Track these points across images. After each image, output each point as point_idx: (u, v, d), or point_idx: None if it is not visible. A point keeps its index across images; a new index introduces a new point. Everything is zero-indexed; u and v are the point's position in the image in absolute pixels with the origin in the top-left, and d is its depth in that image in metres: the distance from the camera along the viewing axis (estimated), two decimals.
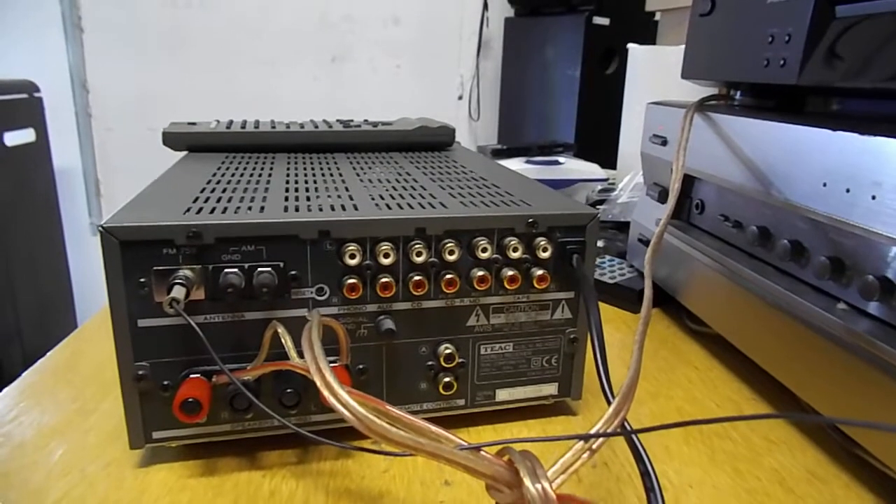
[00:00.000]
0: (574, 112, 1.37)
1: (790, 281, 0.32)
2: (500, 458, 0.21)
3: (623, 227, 0.63)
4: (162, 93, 1.69)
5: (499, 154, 0.72)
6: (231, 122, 0.47)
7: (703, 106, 0.41)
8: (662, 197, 0.47)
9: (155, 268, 0.25)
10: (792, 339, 0.31)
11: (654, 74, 0.72)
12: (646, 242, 0.49)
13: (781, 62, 0.35)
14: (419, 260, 0.27)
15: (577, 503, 0.19)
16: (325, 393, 0.21)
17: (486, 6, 1.69)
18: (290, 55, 1.73)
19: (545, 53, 1.44)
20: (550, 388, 0.31)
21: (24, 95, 1.45)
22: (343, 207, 0.28)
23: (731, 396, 0.34)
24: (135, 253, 0.24)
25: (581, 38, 1.31)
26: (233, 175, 0.35)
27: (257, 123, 0.47)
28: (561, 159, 0.73)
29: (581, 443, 0.20)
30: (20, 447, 0.29)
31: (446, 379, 0.29)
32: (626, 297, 0.47)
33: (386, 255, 0.26)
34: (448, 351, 0.28)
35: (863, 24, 0.30)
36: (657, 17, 1.41)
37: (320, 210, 0.27)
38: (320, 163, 0.40)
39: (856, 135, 0.27)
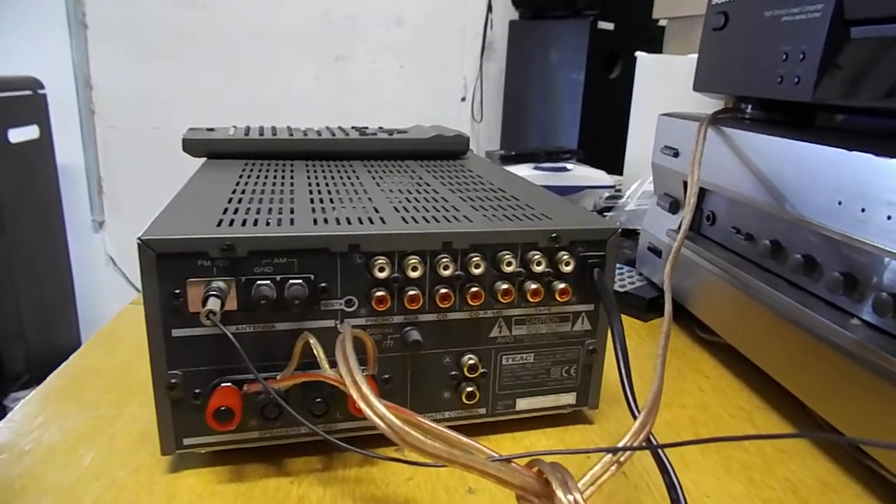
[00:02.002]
0: (578, 116, 1.38)
1: (802, 294, 0.33)
2: (529, 469, 0.22)
3: (631, 234, 0.64)
4: (165, 91, 1.70)
5: (507, 160, 0.73)
6: (248, 128, 0.48)
7: (715, 120, 0.41)
8: (673, 207, 0.47)
9: (189, 279, 0.25)
10: (803, 351, 0.32)
11: (662, 83, 0.73)
12: (655, 251, 0.50)
13: (796, 79, 0.36)
14: (446, 273, 0.27)
15: None
16: (362, 405, 0.21)
17: (490, 8, 1.70)
18: (293, 55, 1.73)
19: (549, 57, 1.45)
20: (569, 398, 0.32)
21: (28, 92, 1.45)
22: (371, 220, 0.28)
23: (742, 406, 0.35)
24: (170, 264, 0.25)
25: (585, 42, 1.32)
26: (255, 184, 0.36)
27: (274, 130, 0.47)
28: (569, 166, 0.74)
29: (609, 455, 0.21)
30: (51, 452, 0.29)
31: (469, 388, 0.30)
32: (636, 305, 0.48)
33: (414, 269, 0.27)
34: (471, 361, 0.29)
35: (878, 45, 0.31)
36: (662, 22, 1.41)
37: (349, 223, 0.28)
38: (339, 171, 0.41)
39: (871, 156, 0.28)
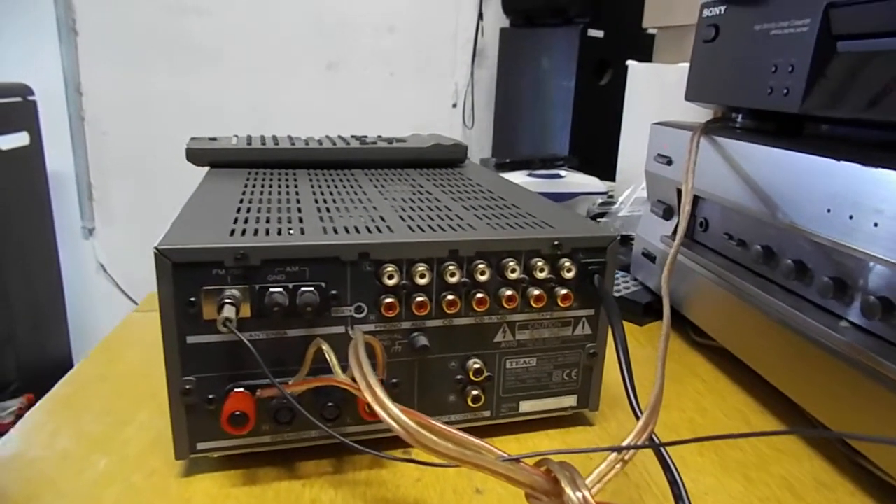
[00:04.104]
0: (569, 122, 1.39)
1: (793, 298, 0.34)
2: (538, 468, 0.23)
3: (624, 239, 0.65)
4: (157, 97, 1.69)
5: (502, 167, 0.74)
6: (250, 137, 0.49)
7: (707, 129, 0.43)
8: (667, 214, 0.49)
9: (204, 287, 0.26)
10: (796, 354, 0.33)
11: (653, 91, 0.74)
12: (650, 257, 0.51)
13: (785, 91, 0.37)
14: (452, 280, 0.28)
15: None
16: (378, 409, 0.22)
17: (480, 16, 1.71)
18: (286, 62, 1.73)
19: (540, 64, 1.46)
20: (570, 400, 0.33)
21: (18, 99, 1.45)
22: (378, 229, 0.29)
23: (738, 407, 0.36)
24: (186, 273, 0.26)
25: (576, 49, 1.33)
26: (262, 193, 0.36)
27: (276, 139, 0.48)
28: (562, 172, 0.75)
29: (614, 454, 0.22)
30: (64, 458, 0.30)
31: (474, 392, 0.30)
32: (632, 309, 0.49)
33: (422, 276, 0.28)
34: (477, 365, 0.30)
35: (862, 60, 0.32)
36: (652, 30, 1.43)
37: (358, 232, 0.29)
38: (341, 179, 0.42)
39: (859, 165, 0.29)
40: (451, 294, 0.29)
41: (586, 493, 0.21)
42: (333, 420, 0.28)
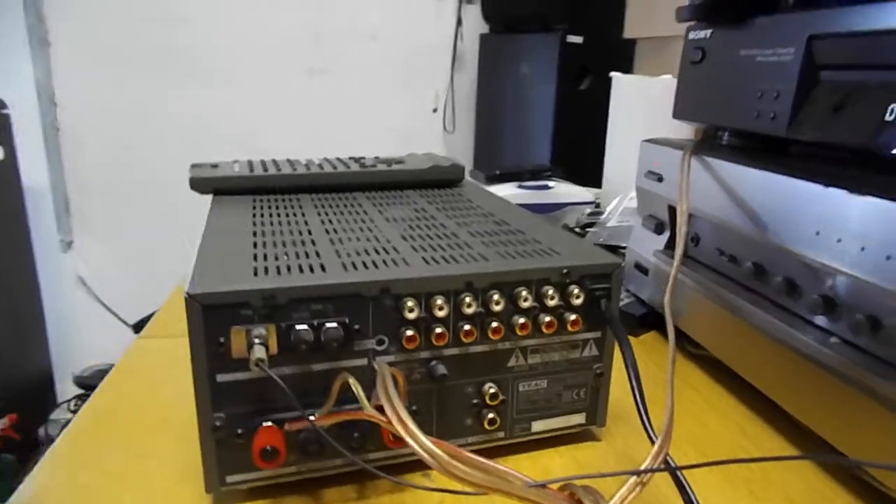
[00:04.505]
0: (550, 127, 1.41)
1: (785, 313, 0.36)
2: (563, 492, 0.24)
3: (613, 250, 0.67)
4: (135, 108, 1.67)
5: (492, 180, 0.75)
6: (251, 163, 0.49)
7: (697, 149, 0.44)
8: (659, 229, 0.50)
9: (233, 327, 0.27)
10: (788, 367, 0.35)
11: (637, 102, 0.76)
12: (642, 269, 0.53)
13: (772, 115, 0.39)
14: (469, 311, 0.29)
15: None
16: (411, 441, 0.23)
17: (459, 21, 1.73)
18: (266, 70, 1.73)
19: (520, 70, 1.48)
20: (579, 418, 0.34)
21: None
22: (395, 262, 0.30)
23: (735, 419, 0.38)
24: (215, 315, 0.26)
25: (556, 55, 1.36)
26: (272, 224, 0.37)
27: (276, 164, 0.49)
28: (550, 183, 0.77)
29: (634, 477, 0.24)
30: (94, 491, 0.30)
31: (490, 415, 0.32)
32: (626, 321, 0.51)
33: (440, 309, 0.29)
34: (492, 390, 0.31)
35: (843, 90, 0.35)
36: (626, 30, 1.46)
37: (376, 267, 0.30)
38: (344, 204, 0.43)
39: (846, 192, 0.31)
40: (468, 324, 0.30)
41: None
42: (358, 449, 0.29)
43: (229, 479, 0.29)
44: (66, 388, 1.75)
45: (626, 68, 1.40)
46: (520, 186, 0.75)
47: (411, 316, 0.29)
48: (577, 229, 0.74)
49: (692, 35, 0.48)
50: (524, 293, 0.30)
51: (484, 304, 0.30)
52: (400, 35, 1.77)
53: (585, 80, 1.43)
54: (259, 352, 0.26)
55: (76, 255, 1.80)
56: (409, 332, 0.29)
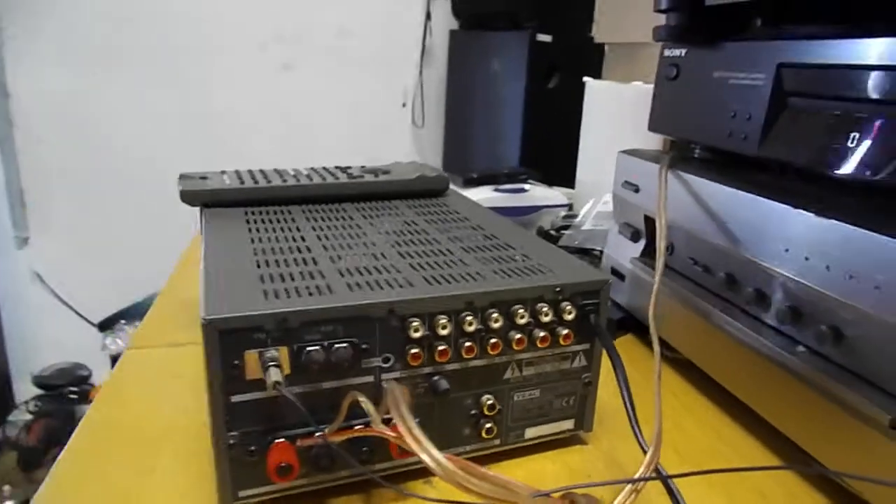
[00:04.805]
0: (519, 124, 1.44)
1: (754, 321, 0.39)
2: (564, 500, 0.26)
3: (587, 252, 0.70)
4: (95, 102, 1.63)
5: (469, 183, 0.77)
6: (239, 174, 0.50)
7: (673, 163, 0.47)
8: (635, 236, 0.53)
9: (247, 350, 0.28)
10: (759, 372, 0.38)
11: (611, 107, 0.79)
12: (618, 274, 0.55)
13: (743, 136, 0.42)
14: (470, 329, 0.31)
15: None
16: (425, 458, 0.25)
17: (428, 16, 1.73)
18: (234, 65, 1.70)
19: (490, 66, 1.50)
20: (568, 424, 0.37)
21: None
22: (399, 283, 0.32)
23: (710, 423, 0.41)
24: (230, 339, 0.27)
25: (525, 54, 1.38)
26: (269, 241, 0.38)
27: (266, 176, 0.49)
28: (526, 186, 0.79)
29: (629, 485, 0.26)
30: None
31: (487, 425, 0.34)
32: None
33: (443, 327, 0.31)
34: (490, 401, 0.33)
35: (809, 117, 0.37)
36: (595, 35, 1.49)
37: (381, 288, 0.31)
38: (337, 217, 0.44)
39: (812, 215, 0.33)
40: (468, 341, 0.32)
41: None
42: (366, 461, 0.31)
43: (241, 493, 0.30)
44: (24, 389, 1.70)
45: (594, 67, 1.43)
46: (496, 190, 0.77)
47: (416, 335, 0.30)
48: (553, 232, 0.76)
49: (667, 52, 0.50)
50: (521, 311, 0.32)
51: (483, 321, 0.32)
52: (368, 29, 1.76)
53: (553, 79, 1.46)
54: (276, 375, 0.27)
55: (33, 252, 1.75)
56: (414, 350, 0.30)
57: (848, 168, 0.34)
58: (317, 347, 0.29)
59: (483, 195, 0.75)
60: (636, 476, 0.26)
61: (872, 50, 0.33)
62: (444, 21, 1.71)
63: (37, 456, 1.53)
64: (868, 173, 0.33)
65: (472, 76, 1.58)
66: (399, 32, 1.77)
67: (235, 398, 0.28)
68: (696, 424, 0.40)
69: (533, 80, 1.41)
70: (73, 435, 0.37)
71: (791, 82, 0.38)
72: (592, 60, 1.44)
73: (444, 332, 0.31)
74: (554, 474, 0.35)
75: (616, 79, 0.85)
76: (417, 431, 0.26)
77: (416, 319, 0.30)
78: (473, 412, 0.34)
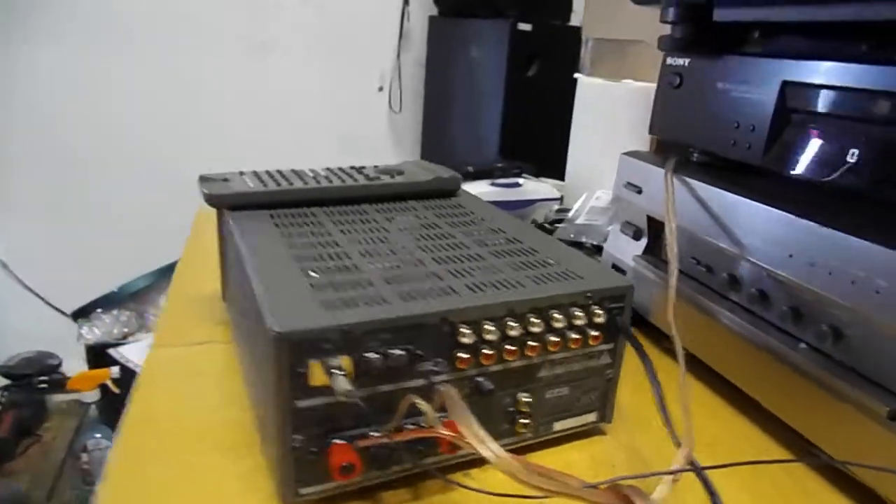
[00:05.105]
0: (499, 112, 1.46)
1: (756, 319, 0.42)
2: (611, 491, 0.29)
3: (580, 245, 0.73)
4: (64, 82, 1.57)
5: (466, 177, 0.79)
6: (258, 175, 0.50)
7: (677, 168, 0.50)
8: (637, 235, 0.56)
9: (312, 360, 0.30)
10: (760, 366, 0.41)
11: (602, 104, 0.81)
12: (620, 271, 0.58)
13: (747, 146, 0.45)
14: (513, 334, 0.34)
15: None
16: (488, 455, 0.27)
17: (406, 1, 1.72)
18: (205, 42, 1.66)
19: (470, 54, 1.51)
20: (592, 417, 0.39)
21: None
22: (445, 291, 0.34)
23: (715, 411, 0.44)
24: (298, 350, 0.29)
25: (507, 43, 1.39)
26: (304, 245, 0.39)
27: (286, 178, 0.50)
28: (521, 181, 0.81)
29: (670, 477, 0.29)
30: None
31: (523, 420, 0.36)
32: None
33: (489, 333, 0.33)
34: (526, 399, 0.36)
35: (810, 133, 0.40)
36: (575, 22, 1.51)
37: (433, 298, 0.33)
38: (360, 220, 0.45)
39: (817, 225, 0.37)
40: (511, 344, 0.34)
41: None
42: (421, 457, 0.33)
43: (302, 491, 0.32)
44: None
45: (572, 56, 1.46)
46: (492, 184, 0.79)
47: (466, 341, 0.32)
48: (546, 225, 0.79)
49: (670, 61, 0.53)
50: (556, 315, 0.35)
51: (524, 326, 0.34)
52: (344, 10, 1.74)
53: (532, 67, 1.48)
54: (345, 383, 0.29)
55: None
56: (463, 355, 0.33)
57: (846, 179, 0.38)
58: (376, 355, 0.31)
59: (480, 189, 0.77)
60: (673, 468, 0.29)
61: (872, 75, 0.36)
62: (423, 6, 1.70)
63: (9, 448, 1.50)
64: (867, 185, 0.36)
65: (451, 63, 1.58)
66: (376, 16, 1.76)
67: (300, 404, 0.30)
68: (705, 417, 0.44)
69: (513, 69, 1.42)
70: (117, 439, 0.38)
71: (794, 99, 0.41)
72: (570, 49, 1.47)
73: (490, 338, 0.33)
74: (580, 463, 0.38)
75: (603, 74, 0.88)
76: (481, 431, 0.28)
77: (465, 326, 0.32)
78: (510, 409, 0.36)
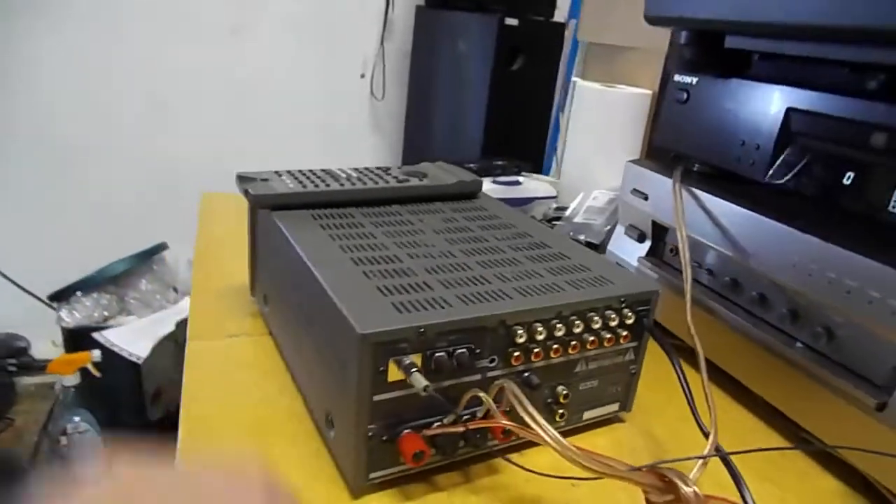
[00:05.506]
0: (483, 105, 1.49)
1: (756, 319, 0.47)
2: (652, 473, 0.33)
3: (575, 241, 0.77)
4: (34, 63, 1.52)
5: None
6: (294, 176, 0.53)
7: (683, 178, 0.54)
8: (641, 238, 0.61)
9: (391, 358, 0.33)
10: (760, 362, 0.46)
11: (596, 108, 0.86)
12: None
13: (751, 162, 0.49)
14: (559, 334, 0.37)
15: (719, 500, 0.32)
16: (551, 442, 0.31)
17: None
18: (186, 25, 1.63)
19: (456, 47, 1.53)
20: (615, 407, 0.44)
21: None
22: (498, 296, 0.37)
23: (718, 403, 0.49)
24: (380, 349, 0.32)
25: (493, 37, 1.42)
26: (355, 248, 0.42)
27: (322, 179, 0.53)
28: (520, 179, 0.85)
29: (700, 461, 0.33)
30: None
31: (560, 411, 0.40)
32: None
33: (539, 333, 0.37)
34: (564, 392, 0.40)
35: (813, 156, 0.45)
36: (559, 18, 1.55)
37: (489, 301, 0.37)
38: (396, 221, 0.48)
39: (818, 239, 0.42)
40: (556, 343, 0.38)
41: (696, 488, 0.32)
42: (479, 443, 0.37)
43: (372, 475, 0.35)
44: None
45: (555, 50, 1.50)
46: (494, 182, 0.82)
47: (520, 340, 0.36)
48: (545, 222, 0.83)
49: (678, 78, 0.57)
50: (594, 317, 0.39)
51: (567, 326, 0.38)
52: None
53: (517, 62, 1.51)
54: (421, 379, 0.32)
55: None
56: (517, 353, 0.36)
57: (841, 199, 0.43)
58: (444, 353, 0.34)
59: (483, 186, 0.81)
60: (704, 453, 0.34)
61: (869, 109, 0.41)
62: None
63: None
64: (861, 206, 0.42)
65: (436, 53, 1.60)
66: (360, 3, 1.75)
67: (378, 397, 0.33)
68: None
69: (499, 63, 1.45)
70: (181, 436, 0.41)
71: (798, 124, 0.46)
72: (554, 44, 1.51)
73: (539, 338, 0.37)
74: (606, 447, 0.42)
75: (595, 77, 0.92)
76: (544, 423, 0.32)
77: (520, 327, 0.36)
78: (549, 400, 0.40)
